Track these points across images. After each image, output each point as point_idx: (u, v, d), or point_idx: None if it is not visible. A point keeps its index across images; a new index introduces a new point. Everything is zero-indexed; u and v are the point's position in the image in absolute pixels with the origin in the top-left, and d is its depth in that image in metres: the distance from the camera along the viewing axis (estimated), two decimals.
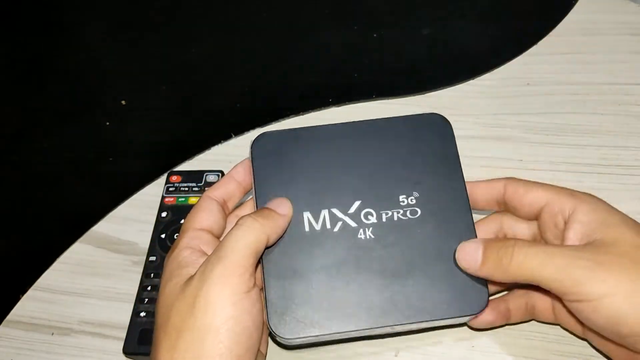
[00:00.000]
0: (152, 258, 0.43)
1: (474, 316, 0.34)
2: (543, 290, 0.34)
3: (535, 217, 0.35)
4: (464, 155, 0.49)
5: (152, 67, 0.63)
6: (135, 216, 0.48)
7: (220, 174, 0.48)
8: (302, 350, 0.38)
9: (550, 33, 0.56)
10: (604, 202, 0.33)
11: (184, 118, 0.58)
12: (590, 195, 0.33)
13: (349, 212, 0.35)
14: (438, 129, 0.37)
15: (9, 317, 0.44)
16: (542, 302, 0.36)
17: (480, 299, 0.33)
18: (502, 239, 0.33)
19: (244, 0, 0.68)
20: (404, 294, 0.33)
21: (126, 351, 0.39)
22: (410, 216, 0.35)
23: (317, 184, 0.36)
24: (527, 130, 0.49)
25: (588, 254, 0.29)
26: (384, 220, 0.35)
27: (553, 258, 0.30)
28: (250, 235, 0.32)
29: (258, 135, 0.37)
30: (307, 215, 0.35)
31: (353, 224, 0.35)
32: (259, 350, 0.33)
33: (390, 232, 0.35)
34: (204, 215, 0.36)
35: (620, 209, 0.43)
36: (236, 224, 0.33)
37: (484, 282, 0.34)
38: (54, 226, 0.51)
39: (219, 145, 0.53)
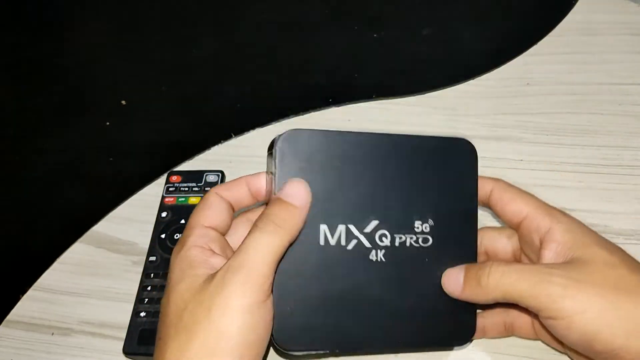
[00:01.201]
0: (152, 258, 0.43)
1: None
2: (521, 308, 0.35)
3: (516, 228, 0.36)
4: None
5: (152, 67, 0.63)
6: (135, 216, 0.48)
7: (220, 174, 0.48)
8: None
9: (550, 33, 0.56)
10: (579, 222, 0.34)
11: (184, 118, 0.58)
12: (566, 214, 0.34)
13: (365, 230, 0.34)
14: (463, 156, 0.36)
15: (9, 317, 0.44)
16: (521, 320, 0.36)
17: (467, 332, 0.35)
18: (481, 263, 0.34)
19: (244, 0, 0.68)
20: (402, 319, 0.34)
21: (126, 351, 0.39)
22: (421, 244, 0.34)
23: (338, 195, 0.34)
24: (527, 130, 0.49)
25: (562, 271, 0.30)
26: (396, 244, 0.34)
27: (527, 275, 0.31)
28: (274, 240, 0.31)
29: (288, 132, 0.34)
30: (324, 228, 0.33)
31: (367, 244, 0.34)
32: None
33: (400, 258, 0.34)
34: (211, 212, 0.34)
35: (620, 209, 0.43)
36: (256, 226, 0.31)
37: (473, 317, 0.35)
38: (54, 226, 0.51)
39: (219, 145, 0.53)
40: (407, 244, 0.34)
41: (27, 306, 0.44)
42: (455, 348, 0.38)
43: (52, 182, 0.55)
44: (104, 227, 0.48)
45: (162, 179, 0.50)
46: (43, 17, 0.71)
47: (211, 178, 0.47)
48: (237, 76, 0.61)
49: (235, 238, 0.35)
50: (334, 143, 0.34)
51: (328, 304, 0.33)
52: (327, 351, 0.33)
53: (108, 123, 0.57)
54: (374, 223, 0.34)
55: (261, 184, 0.35)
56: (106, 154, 0.55)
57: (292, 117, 0.54)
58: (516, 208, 0.35)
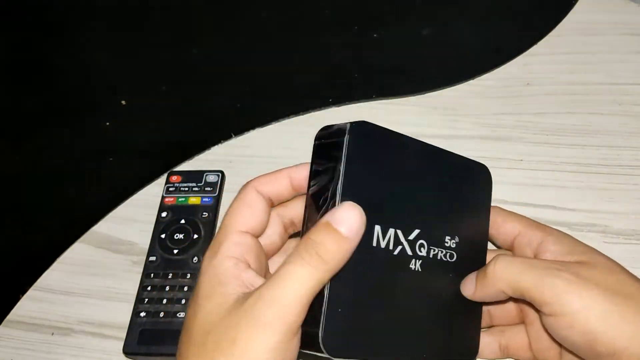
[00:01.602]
0: (152, 258, 0.43)
1: None
2: (520, 327, 0.36)
3: (510, 247, 0.37)
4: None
5: (152, 67, 0.63)
6: (135, 216, 0.48)
7: (220, 174, 0.48)
8: None
9: (550, 33, 0.56)
10: (570, 235, 0.35)
11: (184, 118, 0.58)
12: (557, 229, 0.35)
13: (409, 238, 0.33)
14: (482, 180, 0.37)
15: (9, 317, 0.44)
16: (517, 341, 0.36)
17: (470, 352, 0.35)
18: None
19: (244, 0, 0.68)
20: (422, 336, 0.33)
21: (126, 351, 0.39)
22: (448, 259, 0.35)
23: (392, 198, 0.33)
24: (527, 130, 0.49)
25: (568, 267, 0.31)
26: (430, 256, 0.34)
27: (533, 267, 0.31)
28: (313, 277, 0.27)
29: (358, 122, 0.31)
30: (378, 229, 0.31)
31: (409, 251, 0.33)
32: None
33: (431, 270, 0.34)
34: (250, 213, 0.32)
35: (620, 209, 0.44)
36: (298, 254, 0.28)
37: (478, 335, 0.35)
38: (54, 226, 0.51)
39: (219, 145, 0.53)
40: (439, 257, 0.34)
41: (27, 306, 0.44)
42: None
43: (52, 182, 0.54)
44: (104, 227, 0.48)
45: (162, 179, 0.50)
46: (43, 17, 0.71)
47: (211, 178, 0.47)
48: (237, 76, 0.61)
49: (264, 237, 0.33)
50: (397, 144, 0.33)
51: (372, 310, 0.31)
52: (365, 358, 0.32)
53: (108, 123, 0.57)
54: (416, 232, 0.33)
55: (304, 176, 0.33)
56: (106, 154, 0.55)
57: (292, 117, 0.54)
58: (509, 226, 0.36)
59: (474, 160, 0.37)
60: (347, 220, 0.28)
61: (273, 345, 0.27)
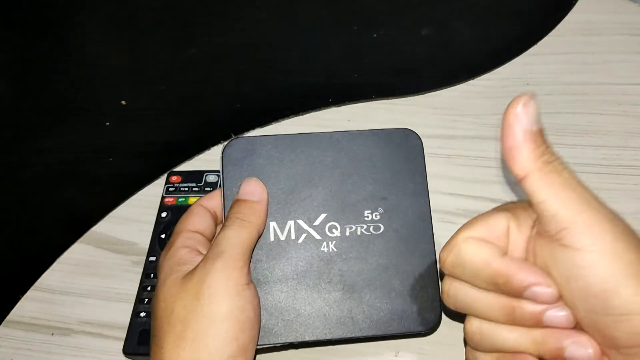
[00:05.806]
0: (152, 258, 0.43)
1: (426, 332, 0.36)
2: None
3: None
4: (464, 156, 0.49)
5: (151, 67, 0.63)
6: (135, 216, 0.48)
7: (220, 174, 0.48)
8: (300, 350, 0.39)
9: (550, 33, 0.56)
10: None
11: (183, 118, 0.58)
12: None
13: (314, 224, 0.36)
14: (408, 145, 0.38)
15: (9, 317, 0.44)
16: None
17: (432, 316, 0.35)
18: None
19: (243, 0, 0.68)
20: (360, 307, 0.35)
21: (126, 351, 0.39)
22: (373, 232, 0.36)
23: (285, 194, 0.36)
24: None
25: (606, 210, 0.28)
26: (347, 234, 0.36)
27: (578, 188, 0.28)
28: (243, 232, 0.34)
29: (229, 141, 0.37)
30: (273, 225, 0.36)
31: (317, 236, 0.36)
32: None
33: (352, 247, 0.36)
34: (197, 219, 0.37)
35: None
36: (225, 225, 0.34)
37: (438, 299, 0.35)
38: (54, 226, 0.51)
39: (219, 145, 0.53)
40: (358, 232, 0.36)
41: (27, 306, 0.44)
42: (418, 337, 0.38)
43: (52, 182, 0.54)
44: (103, 227, 0.48)
45: (162, 179, 0.50)
46: (42, 16, 0.71)
47: (211, 178, 0.47)
48: (236, 76, 0.61)
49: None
50: (275, 146, 0.37)
51: (284, 297, 0.35)
52: (284, 343, 0.35)
53: (108, 123, 0.57)
54: (323, 216, 0.36)
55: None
56: (106, 154, 0.55)
57: (292, 117, 0.54)
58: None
59: (394, 129, 0.38)
60: (250, 189, 0.36)
61: (232, 289, 0.31)
